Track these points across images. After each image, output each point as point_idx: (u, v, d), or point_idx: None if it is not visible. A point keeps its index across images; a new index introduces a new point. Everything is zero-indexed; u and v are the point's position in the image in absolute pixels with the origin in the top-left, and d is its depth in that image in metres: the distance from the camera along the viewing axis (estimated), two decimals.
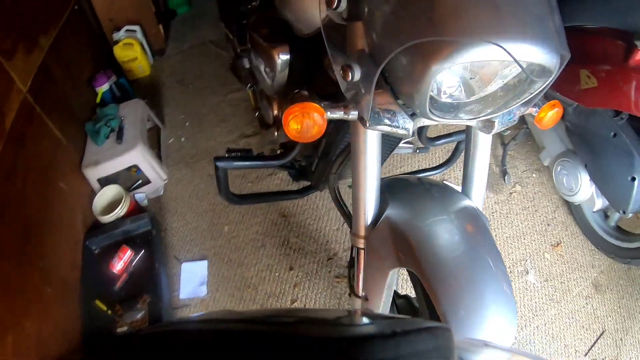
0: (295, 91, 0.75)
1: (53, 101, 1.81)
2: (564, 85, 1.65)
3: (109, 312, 1.56)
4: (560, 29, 0.62)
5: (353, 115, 0.73)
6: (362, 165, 0.83)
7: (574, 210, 1.91)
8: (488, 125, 0.78)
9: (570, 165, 1.73)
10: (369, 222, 0.89)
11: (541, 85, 0.66)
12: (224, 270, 1.77)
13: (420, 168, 1.69)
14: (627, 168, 1.46)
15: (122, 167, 1.96)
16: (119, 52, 2.57)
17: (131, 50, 2.58)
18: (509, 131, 2.13)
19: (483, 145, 0.91)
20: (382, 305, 0.95)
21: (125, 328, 1.50)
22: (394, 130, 0.73)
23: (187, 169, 2.18)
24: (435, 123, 0.74)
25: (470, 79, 0.66)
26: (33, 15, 1.84)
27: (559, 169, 1.80)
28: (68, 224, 1.70)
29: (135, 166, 2.00)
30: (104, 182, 1.95)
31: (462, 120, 0.72)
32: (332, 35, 0.75)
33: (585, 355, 1.56)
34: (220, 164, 1.13)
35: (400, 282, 1.62)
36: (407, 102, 0.70)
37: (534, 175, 2.09)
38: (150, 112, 2.28)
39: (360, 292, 1.01)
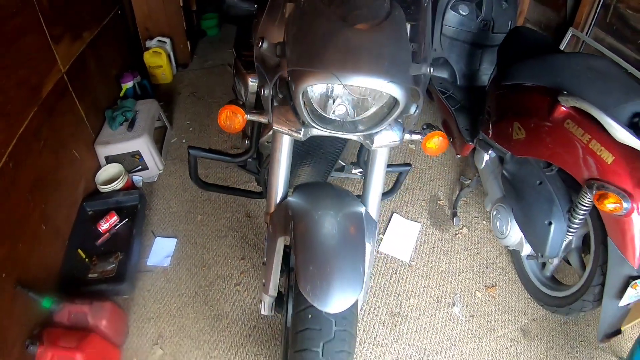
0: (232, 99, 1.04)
1: (83, 86, 2.18)
2: (500, 136, 1.81)
3: (87, 260, 1.86)
4: (406, 69, 0.83)
5: (264, 120, 1.03)
6: (277, 158, 1.10)
7: (514, 258, 1.97)
8: (369, 141, 1.02)
9: (503, 210, 1.81)
10: (276, 203, 1.13)
11: (394, 112, 0.89)
12: (189, 249, 2.07)
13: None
14: (546, 213, 1.54)
15: (127, 151, 2.31)
16: (148, 58, 2.94)
17: (159, 58, 2.95)
18: (469, 180, 2.30)
19: (379, 162, 1.11)
20: (273, 269, 1.17)
21: (95, 275, 1.80)
22: (291, 133, 1.02)
23: (181, 164, 2.51)
24: (323, 133, 1.00)
25: (370, 102, 0.88)
26: (81, 13, 2.23)
27: (494, 213, 1.87)
28: (72, 185, 2.03)
29: (138, 153, 2.34)
30: (110, 160, 2.30)
31: (345, 133, 0.98)
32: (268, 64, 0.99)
33: None
34: (192, 151, 1.39)
35: None
36: (298, 113, 0.96)
37: (484, 222, 2.21)
38: (161, 113, 2.65)
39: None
